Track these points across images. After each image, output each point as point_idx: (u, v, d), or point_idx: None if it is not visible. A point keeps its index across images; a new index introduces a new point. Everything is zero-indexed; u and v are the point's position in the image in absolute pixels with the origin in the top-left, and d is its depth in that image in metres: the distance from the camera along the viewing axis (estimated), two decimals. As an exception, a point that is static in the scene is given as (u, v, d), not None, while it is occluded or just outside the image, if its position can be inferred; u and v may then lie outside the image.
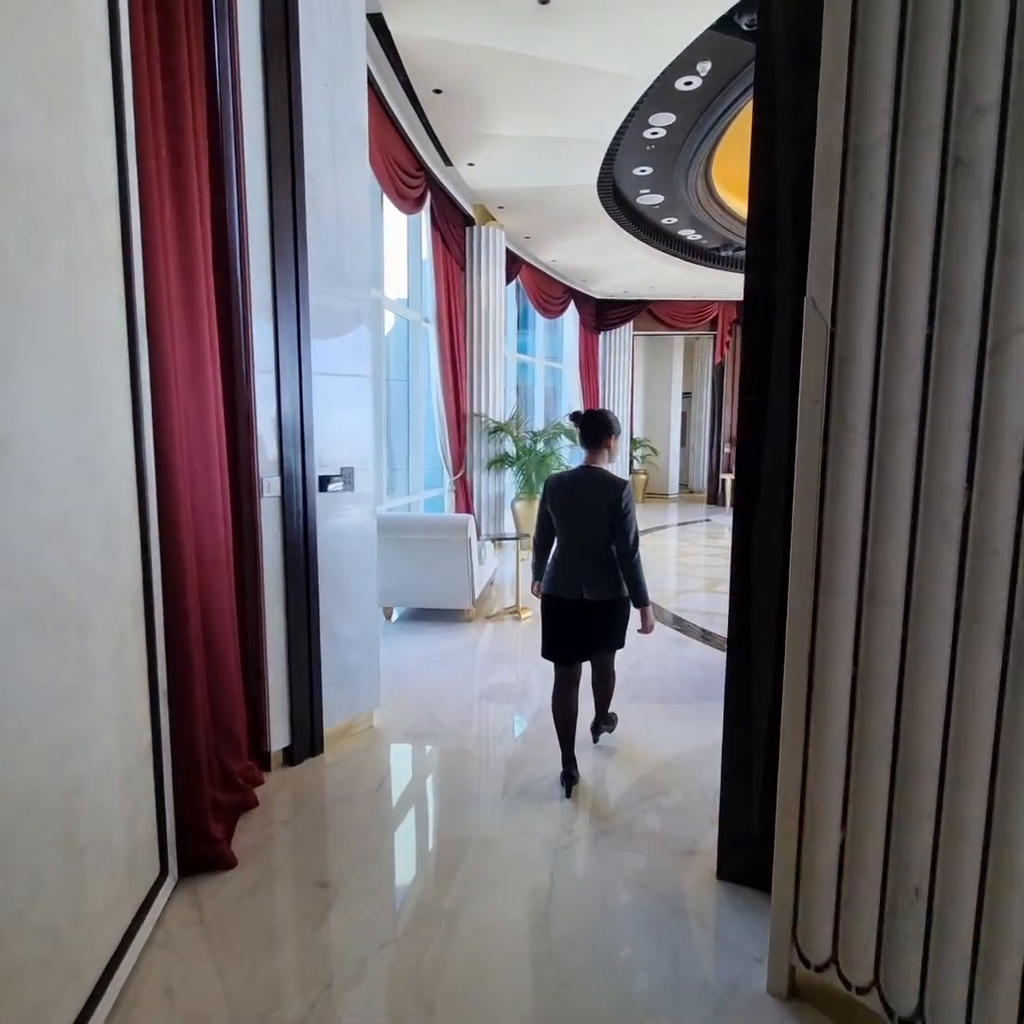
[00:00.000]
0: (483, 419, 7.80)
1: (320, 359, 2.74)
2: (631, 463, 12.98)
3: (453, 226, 7.20)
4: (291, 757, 2.82)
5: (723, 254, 9.65)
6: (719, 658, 4.21)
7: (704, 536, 9.61)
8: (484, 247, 7.59)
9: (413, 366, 7.35)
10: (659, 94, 5.18)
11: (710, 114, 5.58)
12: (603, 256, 9.47)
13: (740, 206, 8.52)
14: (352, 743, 3.05)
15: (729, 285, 10.90)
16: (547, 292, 10.15)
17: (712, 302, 11.99)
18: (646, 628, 2.63)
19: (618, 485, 2.56)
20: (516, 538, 5.58)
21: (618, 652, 2.84)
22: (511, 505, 8.07)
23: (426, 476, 7.93)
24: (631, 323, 12.25)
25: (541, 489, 2.76)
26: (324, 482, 2.78)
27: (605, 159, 6.25)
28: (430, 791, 2.83)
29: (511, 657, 4.40)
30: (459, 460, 7.58)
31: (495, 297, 7.75)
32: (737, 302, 11.97)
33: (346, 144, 2.83)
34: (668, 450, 14.14)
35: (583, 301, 11.46)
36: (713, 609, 5.58)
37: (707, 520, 10.92)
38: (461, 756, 3.03)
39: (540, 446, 8.12)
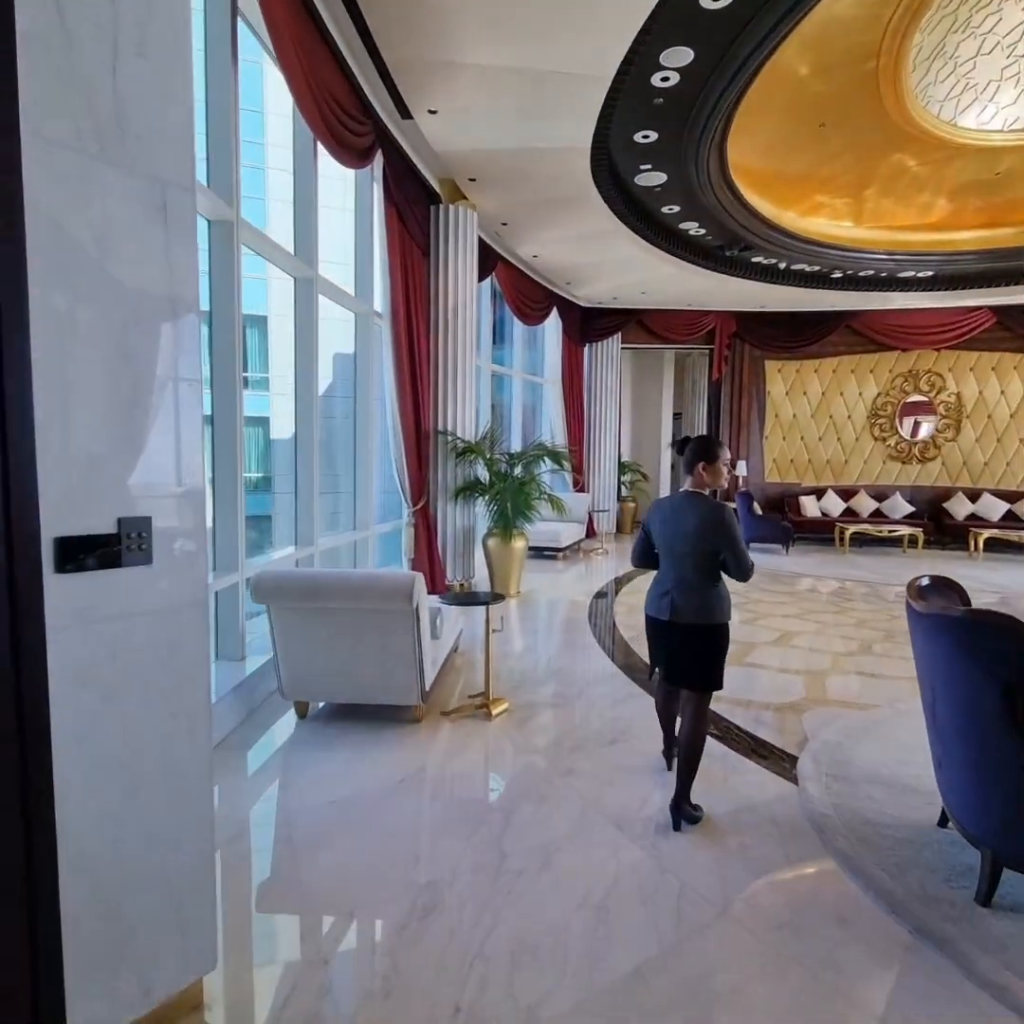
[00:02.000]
0: (450, 438, 6.41)
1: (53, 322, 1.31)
2: (619, 489, 11.67)
3: (414, 203, 5.86)
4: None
5: (727, 253, 8.46)
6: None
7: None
8: (453, 231, 6.26)
9: (362, 371, 5.93)
10: (678, 12, 3.91)
11: (741, 45, 4.33)
12: (591, 252, 8.21)
13: (756, 199, 7.36)
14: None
15: (729, 291, 9.74)
16: (527, 295, 8.86)
17: (709, 312, 10.82)
18: None
19: (711, 510, 2.56)
20: (487, 602, 3.66)
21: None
22: (483, 542, 6.66)
23: (381, 506, 6.49)
24: (619, 334, 11.03)
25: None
26: (71, 552, 1.34)
27: (602, 114, 4.97)
28: None
29: (478, 805, 2.80)
30: (419, 488, 6.17)
31: (465, 291, 6.41)
32: (737, 312, 10.83)
33: None
34: (659, 475, 12.88)
35: (567, 308, 10.20)
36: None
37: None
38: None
39: (518, 470, 6.76)
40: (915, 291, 9.64)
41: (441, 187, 6.18)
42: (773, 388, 11.13)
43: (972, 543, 9.53)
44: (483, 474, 6.70)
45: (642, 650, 4.86)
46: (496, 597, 3.66)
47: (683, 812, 2.57)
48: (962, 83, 6.70)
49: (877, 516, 10.49)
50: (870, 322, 10.48)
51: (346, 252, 6.02)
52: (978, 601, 6.94)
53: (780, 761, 3.17)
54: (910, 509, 10.38)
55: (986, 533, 9.45)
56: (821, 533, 10.48)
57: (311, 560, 4.76)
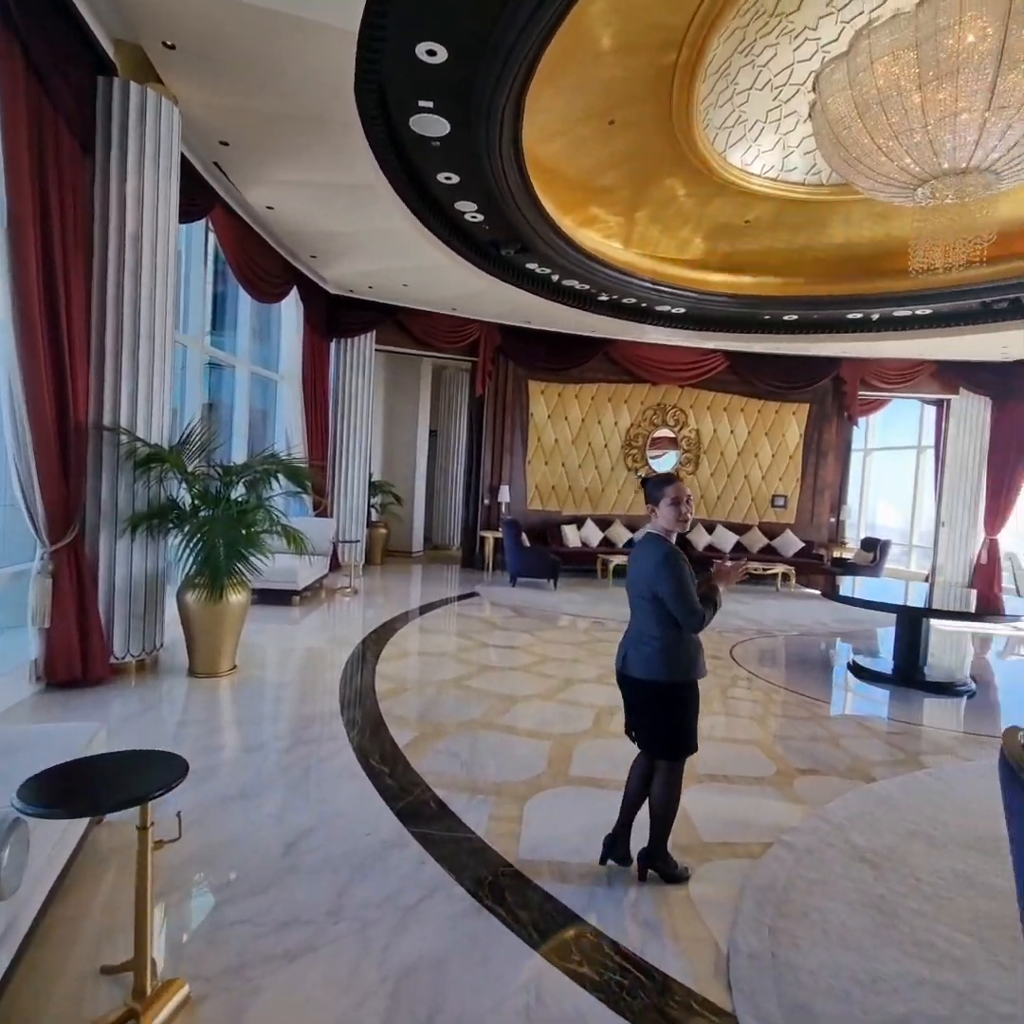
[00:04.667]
0: (124, 438, 4.18)
1: None
2: (369, 514, 9.98)
3: (61, 59, 3.63)
4: None
5: (503, 252, 7.46)
6: None
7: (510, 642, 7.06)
8: (137, 125, 4.10)
9: (-53, 313, 3.48)
10: None
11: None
12: (345, 215, 6.53)
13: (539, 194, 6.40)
14: None
15: (499, 299, 8.82)
16: (257, 262, 6.81)
17: (474, 321, 9.80)
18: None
19: (653, 553, 2.39)
20: (144, 799, 1.65)
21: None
22: (178, 596, 4.48)
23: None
24: (374, 333, 9.44)
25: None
26: None
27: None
28: None
29: None
30: (65, 513, 3.85)
31: (159, 222, 4.27)
32: (503, 326, 9.99)
33: None
34: (413, 498, 11.49)
35: (312, 292, 8.31)
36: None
37: (474, 594, 8.39)
38: None
39: (239, 491, 4.75)
40: (669, 326, 9.76)
41: (117, 52, 4.00)
42: (536, 410, 10.52)
43: (714, 574, 9.88)
44: (181, 495, 4.56)
45: (439, 752, 3.33)
46: (162, 788, 1.71)
47: (653, 864, 2.46)
48: (736, 114, 6.57)
49: (630, 546, 10.43)
50: (626, 352, 10.46)
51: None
52: (742, 635, 6.81)
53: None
54: (659, 540, 10.48)
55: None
56: (583, 564, 10.06)
57: None
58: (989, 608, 5.29)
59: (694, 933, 2.20)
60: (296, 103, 4.51)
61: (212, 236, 6.40)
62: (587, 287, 8.64)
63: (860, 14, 5.62)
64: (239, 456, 7.18)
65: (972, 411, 10.63)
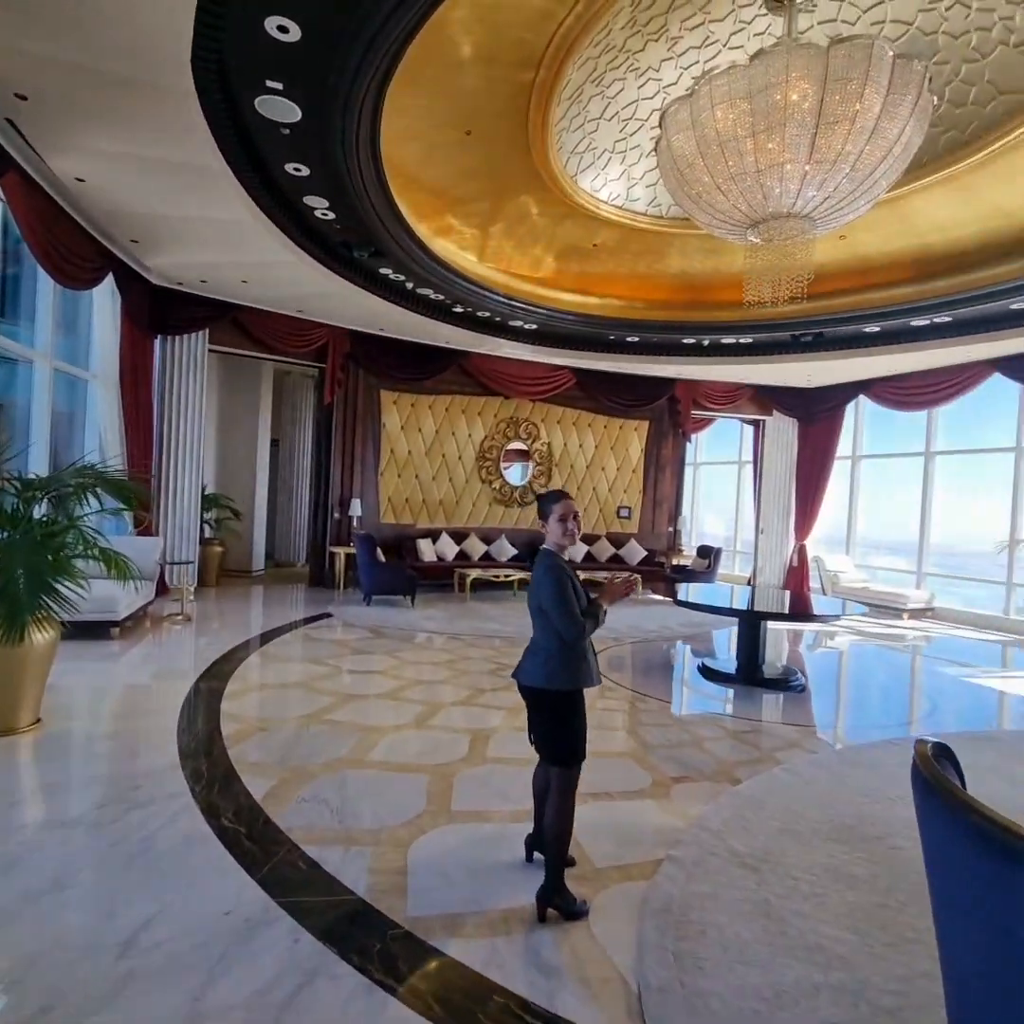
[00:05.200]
0: None
1: None
2: (202, 531, 9.02)
3: None
4: None
5: (355, 254, 7.11)
6: None
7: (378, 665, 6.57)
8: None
9: None
10: None
11: None
12: (175, 196, 5.82)
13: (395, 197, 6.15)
14: None
15: (349, 304, 8.42)
16: (65, 244, 5.86)
17: (323, 325, 9.26)
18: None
19: (539, 566, 2.50)
20: None
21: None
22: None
23: None
24: (207, 332, 8.58)
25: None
26: None
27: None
28: None
29: None
30: None
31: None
32: (354, 332, 9.55)
33: None
34: (253, 513, 10.60)
35: (132, 282, 7.35)
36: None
37: (326, 615, 7.85)
38: None
39: (41, 510, 3.98)
40: (521, 341, 9.92)
41: None
42: (389, 421, 10.17)
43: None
44: (-36, 514, 3.73)
45: (305, 801, 2.95)
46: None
47: (552, 903, 2.37)
48: (587, 141, 6.82)
49: (486, 559, 10.42)
50: (480, 365, 10.47)
51: None
52: (600, 643, 6.99)
53: None
54: (513, 551, 10.61)
55: (583, 575, 10.16)
56: (439, 579, 9.86)
57: None
58: (810, 610, 5.88)
59: (602, 973, 2.10)
60: (122, 62, 3.90)
61: (3, 206, 5.41)
62: (442, 297, 8.52)
63: (696, 63, 6.08)
64: (39, 467, 6.12)
65: (783, 431, 11.97)
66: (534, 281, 9.08)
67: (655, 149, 5.74)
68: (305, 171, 5.46)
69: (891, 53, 4.42)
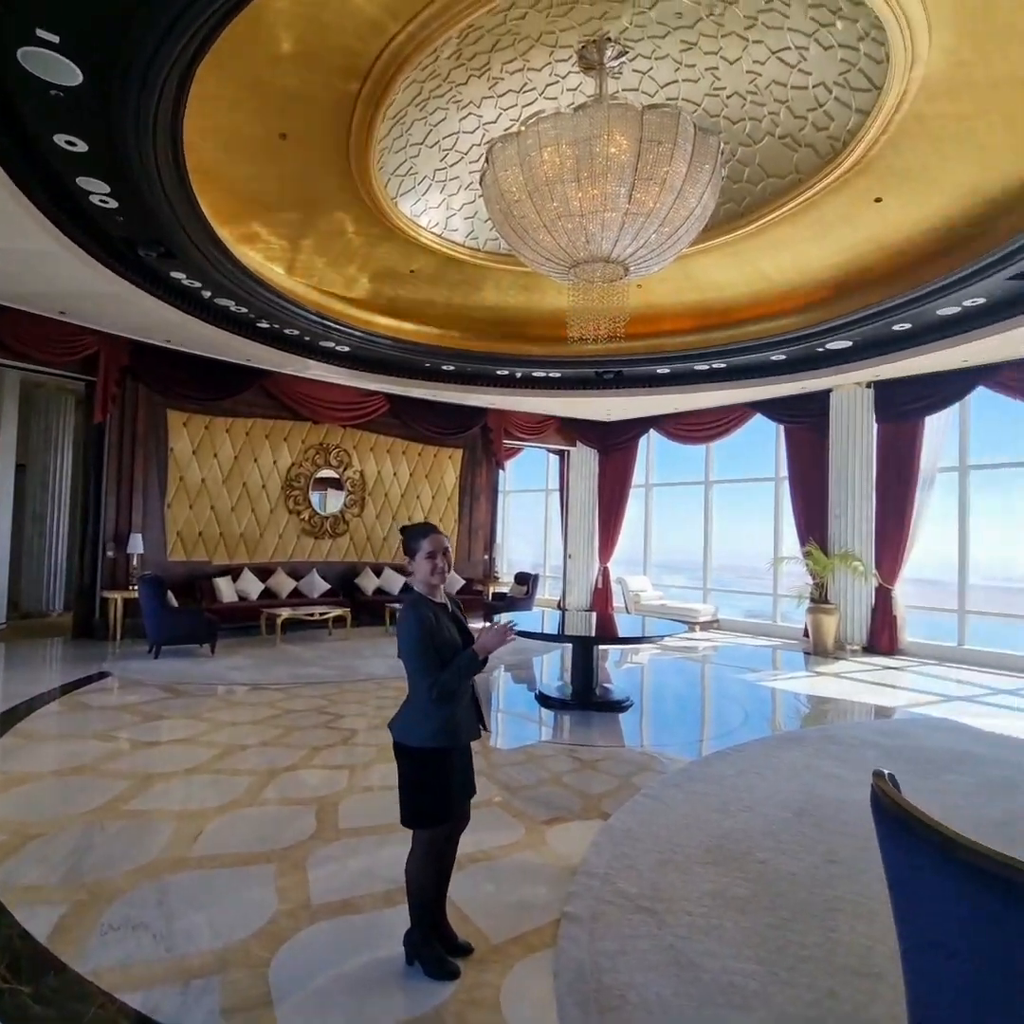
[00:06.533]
0: None
1: None
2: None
3: None
4: None
5: (141, 253, 6.16)
6: None
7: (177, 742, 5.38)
8: None
9: None
10: None
11: None
12: None
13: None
14: None
15: (131, 309, 7.28)
16: None
17: (94, 331, 7.88)
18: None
19: (401, 611, 2.30)
20: None
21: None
22: None
23: None
24: (-71, 330, 6.83)
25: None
26: None
27: None
28: None
29: None
30: None
31: None
32: (135, 342, 8.27)
33: None
34: (-8, 554, 8.59)
35: None
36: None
37: (103, 675, 6.51)
38: None
39: None
40: (332, 363, 9.38)
41: None
42: (178, 444, 8.93)
43: (387, 617, 9.74)
44: None
45: (113, 928, 2.27)
46: None
47: (419, 954, 2.26)
48: (409, 164, 6.69)
49: (296, 595, 9.56)
50: (286, 387, 9.69)
51: None
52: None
53: None
54: (326, 586, 9.89)
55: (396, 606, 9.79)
56: (241, 621, 8.79)
57: None
58: (643, 634, 6.21)
59: (533, 1079, 1.84)
60: None
61: None
62: (245, 310, 7.74)
63: (515, 106, 6.27)
64: None
65: (586, 461, 12.79)
66: (348, 301, 8.67)
67: (481, 182, 5.78)
68: (82, 146, 4.59)
69: (693, 126, 4.93)
